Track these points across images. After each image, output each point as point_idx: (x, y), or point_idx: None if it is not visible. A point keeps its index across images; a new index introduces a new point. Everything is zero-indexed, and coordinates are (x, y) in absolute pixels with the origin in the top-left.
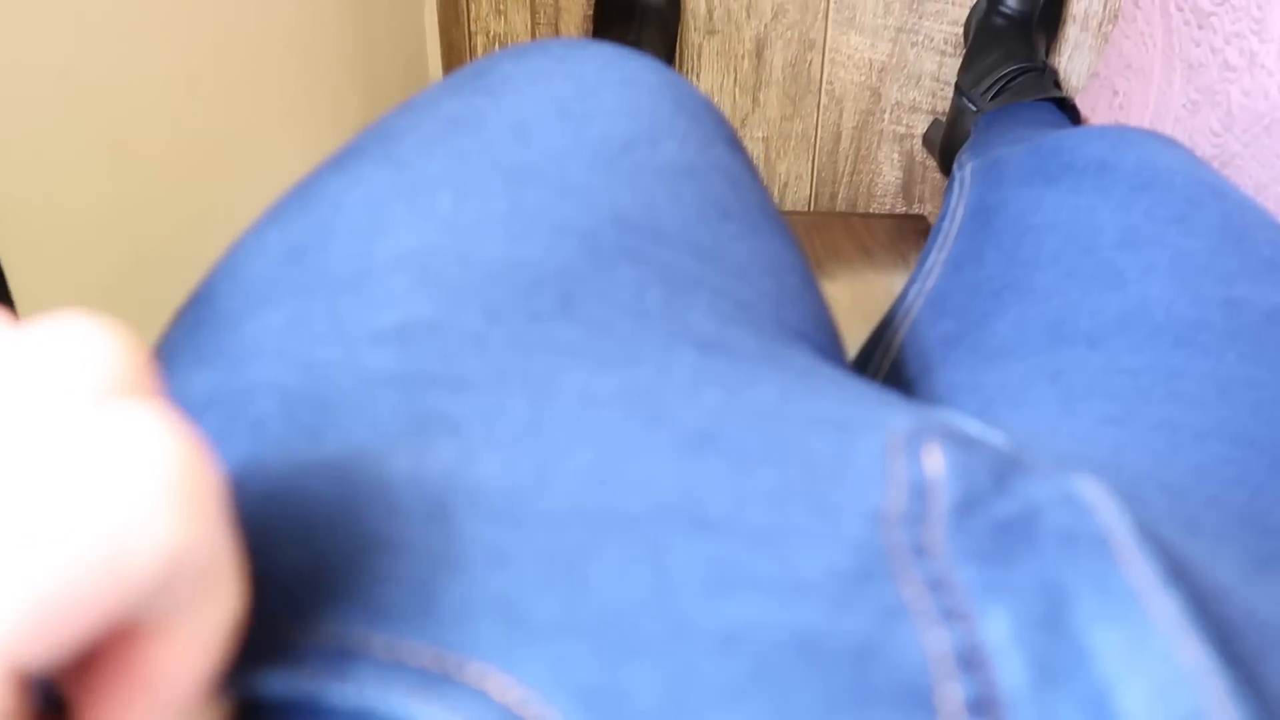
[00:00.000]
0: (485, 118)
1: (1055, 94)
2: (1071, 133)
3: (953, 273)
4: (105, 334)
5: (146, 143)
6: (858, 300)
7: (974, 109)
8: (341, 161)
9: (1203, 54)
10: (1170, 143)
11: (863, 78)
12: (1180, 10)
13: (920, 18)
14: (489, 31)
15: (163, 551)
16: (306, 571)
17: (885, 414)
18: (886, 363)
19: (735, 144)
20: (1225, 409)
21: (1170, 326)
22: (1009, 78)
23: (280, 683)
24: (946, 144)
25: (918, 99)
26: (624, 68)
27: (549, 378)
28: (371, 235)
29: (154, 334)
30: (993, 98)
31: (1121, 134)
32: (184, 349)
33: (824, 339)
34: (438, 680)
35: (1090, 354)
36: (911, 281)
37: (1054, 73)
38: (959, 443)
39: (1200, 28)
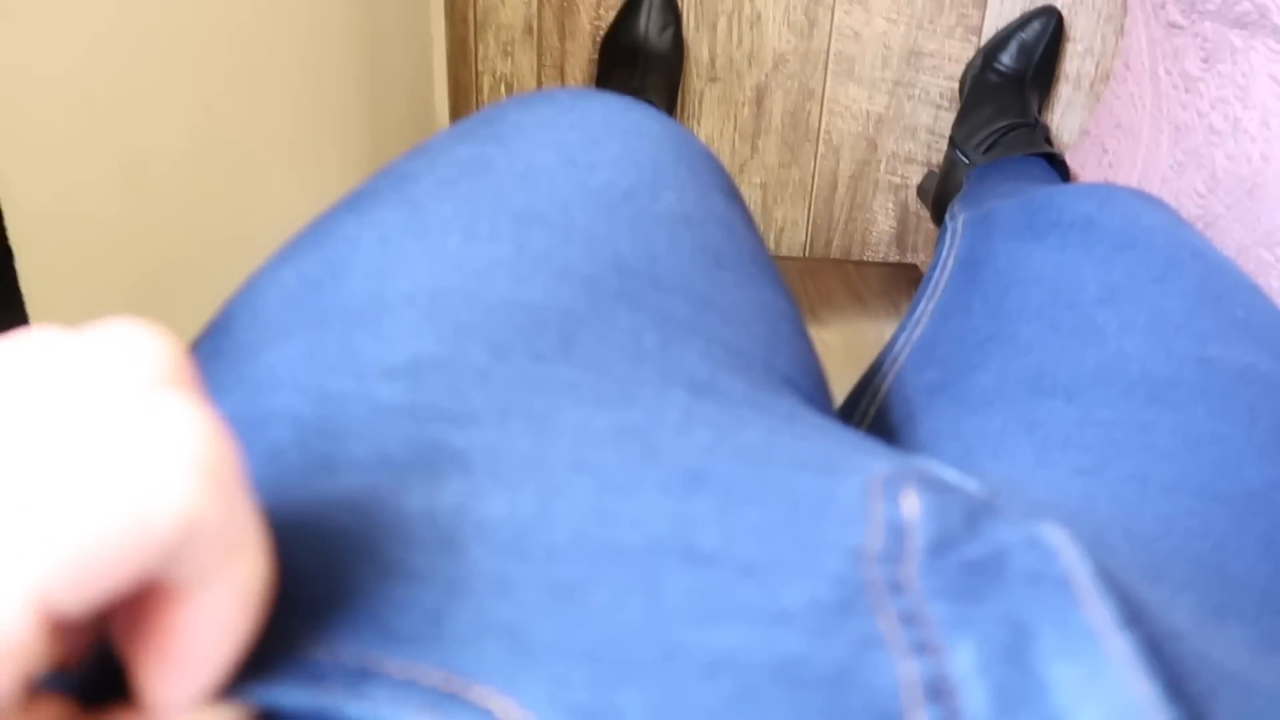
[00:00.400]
0: (495, 163)
1: (1046, 150)
2: (1061, 189)
3: (940, 322)
4: (153, 335)
5: (163, 167)
6: (849, 346)
7: (966, 162)
8: (357, 202)
9: (1189, 117)
10: (1155, 203)
11: (860, 128)
12: (1169, 74)
13: (917, 72)
14: (495, 72)
15: (181, 514)
16: (328, 595)
17: (866, 459)
18: (873, 409)
19: (733, 194)
20: (1193, 463)
21: (1144, 382)
22: (1001, 132)
23: (301, 697)
24: (939, 195)
25: (913, 150)
26: (628, 118)
27: (549, 415)
28: (385, 273)
29: None
30: (985, 151)
31: (1109, 193)
32: (202, 377)
33: (811, 386)
34: (446, 700)
35: (1067, 407)
36: (901, 329)
37: (1045, 129)
38: (934, 488)
39: (1187, 92)
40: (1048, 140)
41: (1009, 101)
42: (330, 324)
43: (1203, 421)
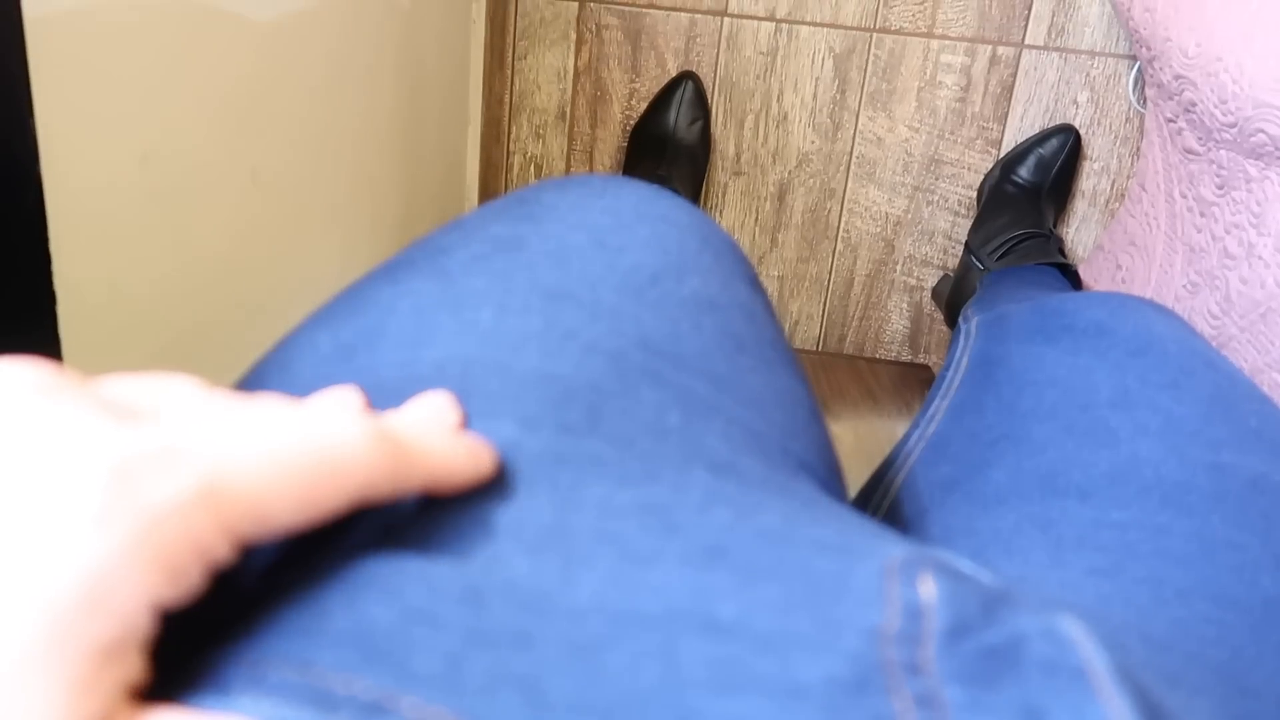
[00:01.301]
0: (528, 241)
1: (1059, 260)
2: (1074, 296)
3: (954, 419)
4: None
5: (209, 226)
6: (860, 442)
7: (981, 267)
8: (392, 272)
9: (1204, 240)
10: (1167, 313)
11: (878, 229)
12: (1184, 197)
13: (937, 179)
14: (526, 153)
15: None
16: (349, 630)
17: (883, 544)
18: (885, 503)
19: (755, 283)
20: (1208, 569)
21: (1158, 486)
22: (1016, 240)
23: None
24: (953, 298)
25: (929, 254)
26: (657, 206)
27: (574, 489)
28: (418, 342)
29: None
30: (999, 258)
31: (1122, 302)
32: None
33: (827, 472)
34: None
35: (1080, 507)
36: (914, 426)
37: (1059, 240)
38: (951, 575)
39: (1202, 215)
40: (1061, 251)
41: (1024, 212)
42: (363, 390)
43: (1218, 528)
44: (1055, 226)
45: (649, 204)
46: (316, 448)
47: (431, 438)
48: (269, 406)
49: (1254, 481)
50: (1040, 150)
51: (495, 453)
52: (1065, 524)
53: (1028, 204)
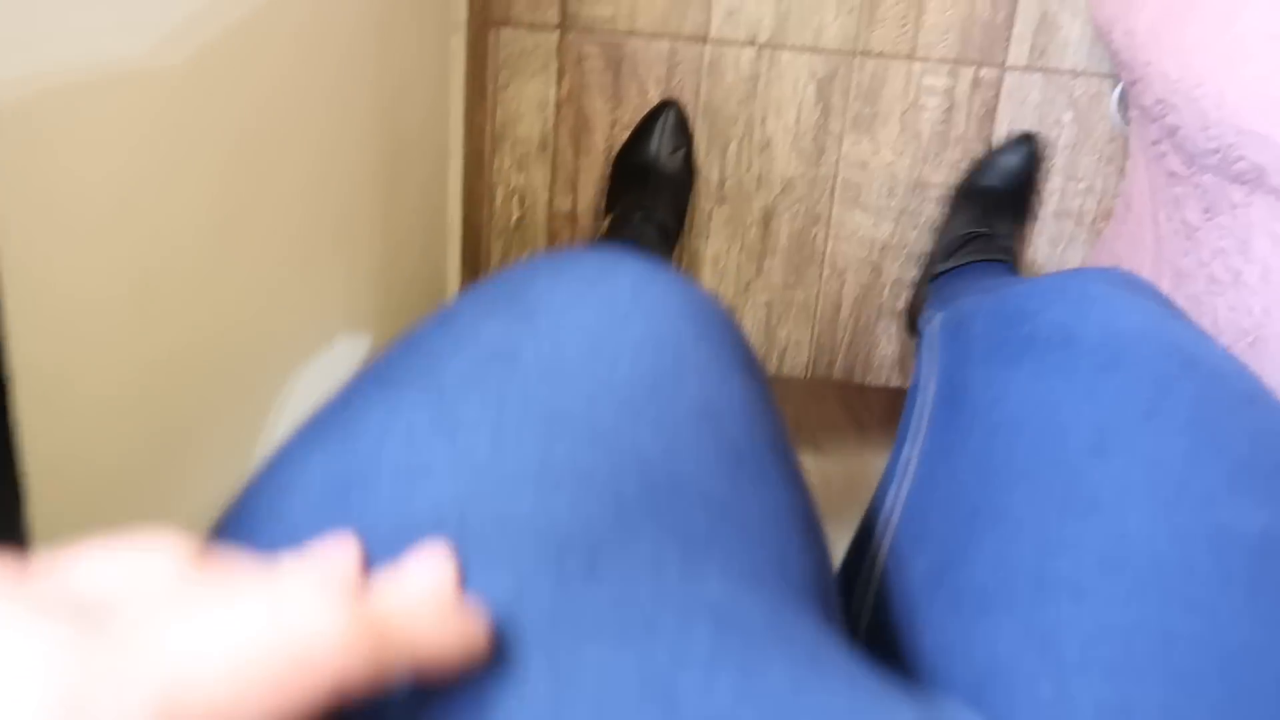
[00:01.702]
0: (521, 352)
1: (999, 256)
2: (1033, 291)
3: (927, 478)
4: None
5: (174, 287)
6: (850, 476)
7: (930, 271)
8: (384, 387)
9: (1190, 264)
10: (1132, 292)
11: (864, 253)
12: (1169, 220)
13: (922, 201)
14: (509, 184)
15: None
16: None
17: (890, 711)
18: (871, 592)
19: (751, 368)
20: (1224, 687)
21: (1155, 570)
22: (961, 241)
23: None
24: (913, 306)
25: (916, 277)
26: (652, 290)
27: (572, 653)
28: (412, 479)
29: (157, 482)
30: (945, 258)
31: (1083, 292)
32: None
33: (823, 590)
34: None
35: (1076, 609)
36: (889, 479)
37: (1005, 238)
38: None
39: (1188, 239)
40: (1005, 250)
41: (976, 215)
42: (358, 537)
43: (1229, 627)
44: (1014, 232)
45: (644, 289)
46: (287, 642)
47: (420, 619)
48: (239, 589)
49: (1259, 544)
50: (999, 159)
51: (488, 629)
52: (1064, 637)
53: (979, 208)
